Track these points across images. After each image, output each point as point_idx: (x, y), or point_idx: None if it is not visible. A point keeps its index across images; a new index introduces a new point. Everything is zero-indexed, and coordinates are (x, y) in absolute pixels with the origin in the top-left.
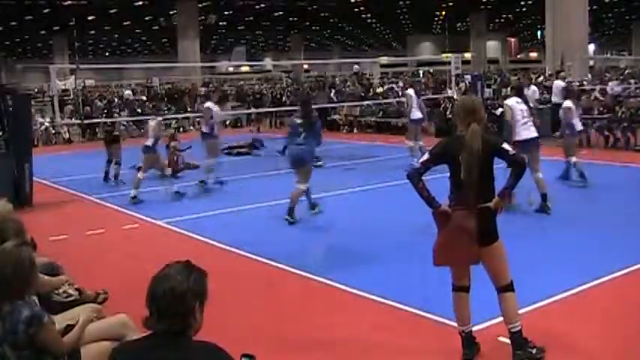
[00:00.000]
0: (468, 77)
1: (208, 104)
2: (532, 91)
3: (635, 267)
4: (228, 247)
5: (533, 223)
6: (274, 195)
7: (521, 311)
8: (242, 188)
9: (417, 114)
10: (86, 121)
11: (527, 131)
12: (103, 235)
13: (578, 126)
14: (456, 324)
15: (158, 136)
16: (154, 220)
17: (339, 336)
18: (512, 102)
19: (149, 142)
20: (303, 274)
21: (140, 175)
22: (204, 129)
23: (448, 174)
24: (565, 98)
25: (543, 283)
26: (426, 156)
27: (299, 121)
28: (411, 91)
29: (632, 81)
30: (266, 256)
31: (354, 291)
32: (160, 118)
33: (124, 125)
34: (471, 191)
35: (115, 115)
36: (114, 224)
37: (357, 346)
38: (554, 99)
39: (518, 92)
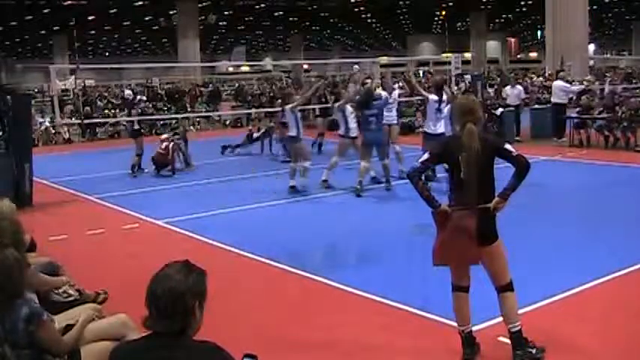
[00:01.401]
0: (468, 77)
1: (347, 107)
2: (518, 90)
3: (636, 267)
4: (228, 247)
5: (533, 223)
6: (273, 195)
7: (521, 311)
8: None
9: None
10: (86, 121)
11: (435, 127)
12: (103, 235)
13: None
14: (455, 324)
15: (299, 124)
16: (154, 220)
17: (339, 336)
18: (431, 97)
19: (293, 133)
20: (303, 274)
21: (304, 164)
22: (342, 131)
23: (448, 174)
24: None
25: (543, 283)
26: (426, 156)
27: (373, 111)
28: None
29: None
30: (266, 255)
31: (354, 291)
32: (291, 105)
33: (124, 125)
34: (471, 191)
35: (119, 114)
36: (114, 224)
37: (357, 345)
38: (554, 99)
39: (437, 89)
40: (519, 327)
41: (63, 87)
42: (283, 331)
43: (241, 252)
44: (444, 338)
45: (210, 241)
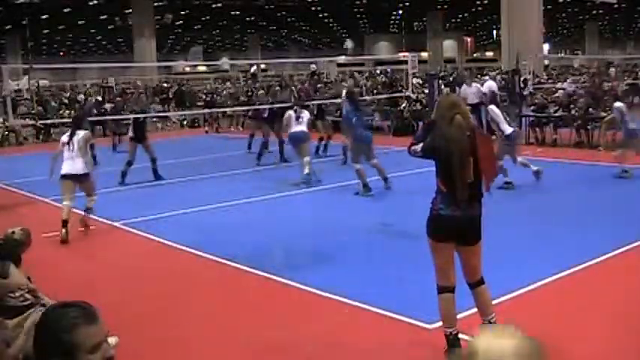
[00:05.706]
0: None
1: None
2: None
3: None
4: (186, 248)
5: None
6: (229, 196)
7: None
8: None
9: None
10: (40, 122)
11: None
12: (58, 238)
13: None
14: (426, 325)
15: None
16: (110, 222)
17: (299, 335)
18: None
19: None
20: (261, 274)
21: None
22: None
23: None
24: None
25: (510, 277)
26: (419, 150)
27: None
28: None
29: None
30: (224, 256)
31: (314, 290)
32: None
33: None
34: (460, 186)
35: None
36: (70, 226)
37: (317, 346)
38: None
39: None
40: (495, 317)
41: (16, 87)
42: (248, 332)
43: (199, 252)
44: (406, 335)
45: (168, 242)
